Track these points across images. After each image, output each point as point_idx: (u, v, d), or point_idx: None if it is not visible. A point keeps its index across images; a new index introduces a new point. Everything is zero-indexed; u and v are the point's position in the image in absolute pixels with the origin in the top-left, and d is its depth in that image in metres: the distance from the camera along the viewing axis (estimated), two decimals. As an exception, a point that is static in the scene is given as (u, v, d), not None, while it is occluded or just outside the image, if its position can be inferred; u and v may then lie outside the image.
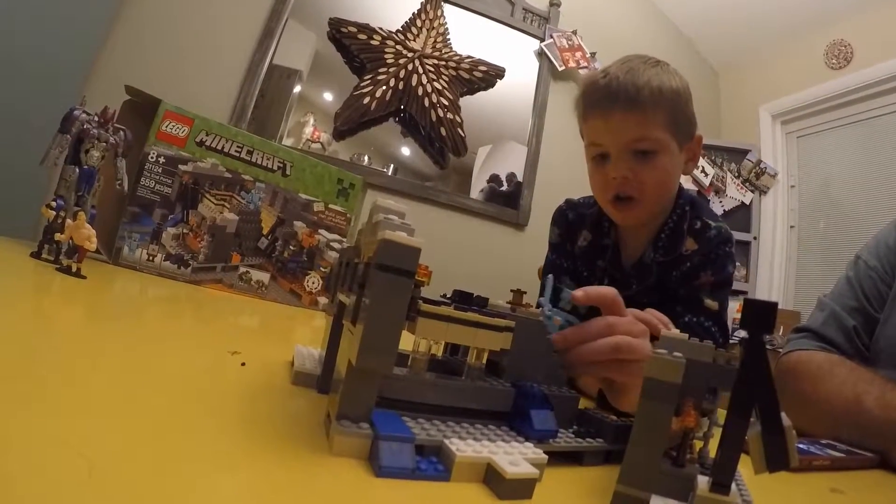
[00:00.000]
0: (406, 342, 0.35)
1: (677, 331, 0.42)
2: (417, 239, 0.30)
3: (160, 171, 1.17)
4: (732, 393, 0.29)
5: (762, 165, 3.38)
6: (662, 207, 1.04)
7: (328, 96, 2.69)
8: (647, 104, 0.93)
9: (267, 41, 2.60)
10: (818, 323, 1.05)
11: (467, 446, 0.33)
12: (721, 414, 0.31)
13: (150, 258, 1.15)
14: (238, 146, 1.24)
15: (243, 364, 0.50)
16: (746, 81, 3.71)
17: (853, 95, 3.08)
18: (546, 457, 0.35)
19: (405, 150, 2.80)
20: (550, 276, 0.61)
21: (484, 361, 0.44)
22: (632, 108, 0.93)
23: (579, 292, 0.54)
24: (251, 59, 2.58)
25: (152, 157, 1.16)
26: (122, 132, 1.03)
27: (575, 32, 3.20)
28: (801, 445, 0.69)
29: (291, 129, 2.63)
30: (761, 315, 0.29)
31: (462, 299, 0.45)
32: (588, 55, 3.16)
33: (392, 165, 2.78)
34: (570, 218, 1.19)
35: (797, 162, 3.44)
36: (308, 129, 2.64)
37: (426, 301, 0.36)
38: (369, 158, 2.73)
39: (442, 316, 0.35)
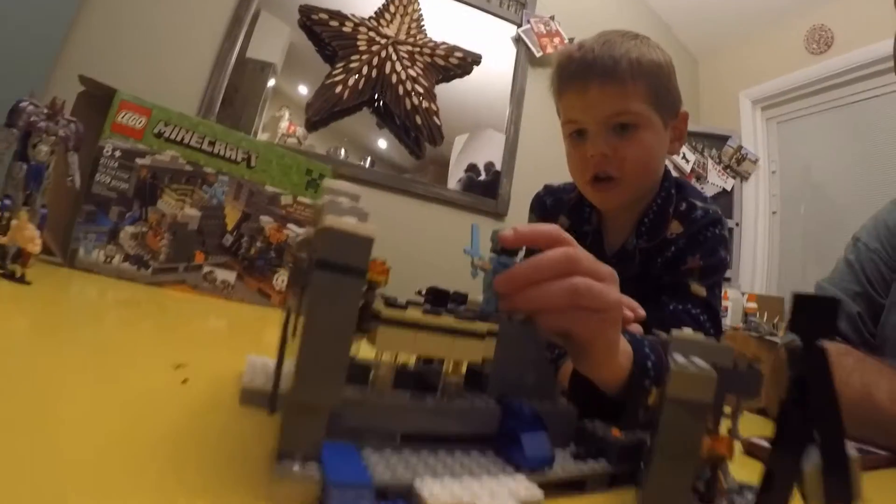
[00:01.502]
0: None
1: (689, 330, 0.36)
2: (369, 225, 0.23)
3: (116, 165, 1.09)
4: (780, 419, 0.23)
5: (743, 151, 3.38)
6: (646, 189, 0.97)
7: (303, 89, 2.62)
8: (625, 75, 0.87)
9: (236, 30, 2.51)
10: None
11: (443, 488, 0.26)
12: (745, 425, 0.25)
13: (108, 260, 1.07)
14: (199, 137, 1.16)
15: (185, 381, 0.42)
16: (726, 67, 3.69)
17: (833, 80, 3.07)
18: (541, 493, 0.28)
19: (382, 143, 2.73)
20: (476, 224, 0.51)
21: (463, 372, 0.37)
22: (609, 80, 0.87)
23: (508, 231, 0.43)
24: (220, 49, 2.49)
25: (107, 151, 1.09)
26: (72, 125, 0.95)
27: (553, 18, 3.15)
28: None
29: (267, 124, 2.57)
30: (819, 314, 0.22)
31: (437, 299, 0.38)
32: (566, 41, 3.09)
33: (369, 158, 2.71)
34: (547, 204, 1.12)
35: (778, 147, 3.44)
36: (283, 124, 2.58)
37: (390, 304, 0.29)
38: (346, 152, 2.67)
39: (408, 323, 0.28)
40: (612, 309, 0.45)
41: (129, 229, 1.09)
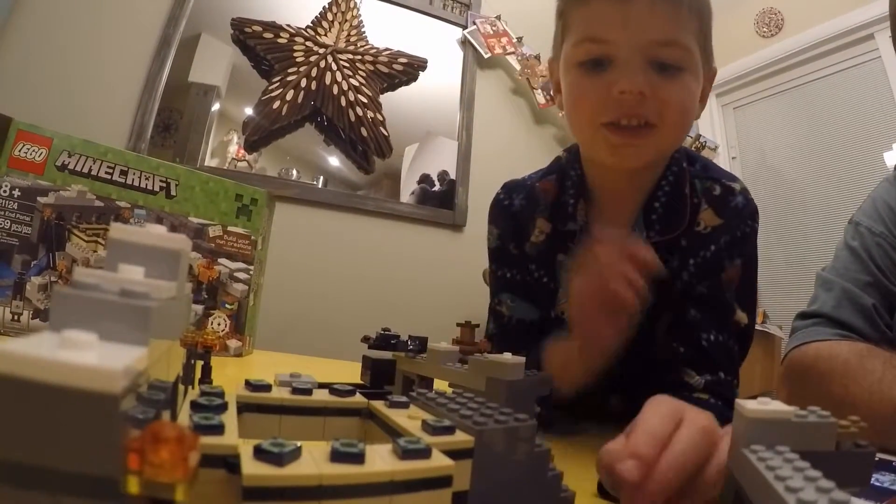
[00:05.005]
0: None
1: (777, 402, 0.28)
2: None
3: (16, 206, 0.96)
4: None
5: (702, 139, 3.35)
6: (670, 151, 0.76)
7: (249, 111, 2.49)
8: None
9: (165, 51, 2.36)
10: (830, 305, 0.87)
11: None
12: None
13: (16, 317, 0.93)
14: (109, 166, 1.02)
15: None
16: (678, 57, 3.68)
17: (786, 62, 3.12)
18: None
19: (333, 160, 2.61)
20: None
21: None
22: None
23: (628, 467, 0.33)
24: (148, 72, 2.35)
25: (4, 191, 0.95)
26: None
27: (499, 17, 3.05)
28: (880, 478, 0.51)
29: (215, 150, 2.43)
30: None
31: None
32: (514, 40, 3.01)
33: (322, 177, 2.59)
34: (515, 207, 0.86)
35: (736, 133, 3.45)
36: (232, 148, 2.45)
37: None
38: (298, 172, 2.54)
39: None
40: None
41: (37, 280, 0.95)
